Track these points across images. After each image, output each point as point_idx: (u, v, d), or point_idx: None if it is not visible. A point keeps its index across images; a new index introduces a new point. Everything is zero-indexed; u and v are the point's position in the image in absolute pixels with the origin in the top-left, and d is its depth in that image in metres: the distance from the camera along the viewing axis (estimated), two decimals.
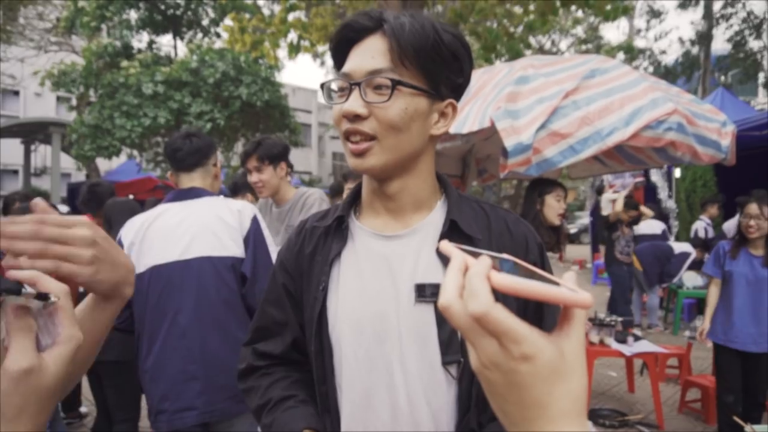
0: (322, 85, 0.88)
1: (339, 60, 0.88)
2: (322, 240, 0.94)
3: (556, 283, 0.44)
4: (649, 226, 7.47)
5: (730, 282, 3.15)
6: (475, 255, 0.47)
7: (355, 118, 0.81)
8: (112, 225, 2.73)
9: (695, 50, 16.29)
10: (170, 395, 1.73)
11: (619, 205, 6.02)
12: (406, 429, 0.83)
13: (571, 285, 0.43)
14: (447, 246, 0.48)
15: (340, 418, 0.88)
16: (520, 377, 0.41)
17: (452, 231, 0.87)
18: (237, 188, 3.75)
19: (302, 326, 0.95)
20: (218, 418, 1.76)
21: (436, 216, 0.91)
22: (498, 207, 0.97)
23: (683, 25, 43.48)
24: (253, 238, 1.84)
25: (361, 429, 0.85)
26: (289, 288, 0.96)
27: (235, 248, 1.80)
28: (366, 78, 0.81)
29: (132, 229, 1.87)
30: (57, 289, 0.53)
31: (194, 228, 1.80)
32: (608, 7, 7.08)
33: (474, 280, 0.40)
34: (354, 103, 0.81)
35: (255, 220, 1.88)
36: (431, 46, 0.81)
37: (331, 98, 0.87)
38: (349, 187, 2.27)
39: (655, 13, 18.06)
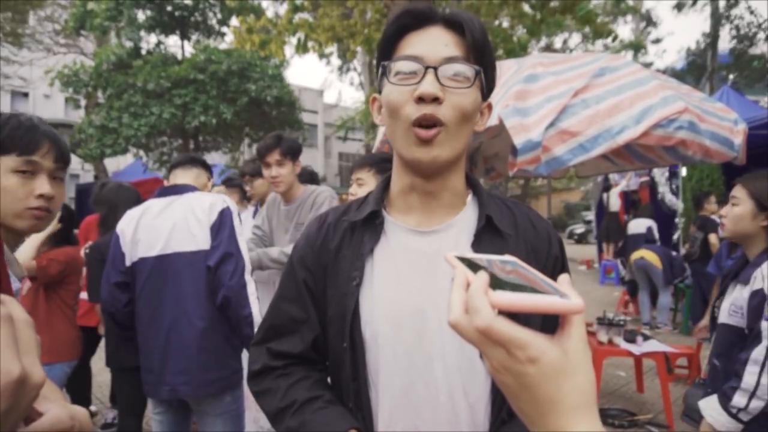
0: (385, 65, 0.85)
1: (388, 47, 0.87)
2: (349, 234, 0.93)
3: (553, 288, 0.47)
4: (637, 225, 7.41)
5: None
6: (479, 262, 0.51)
7: (432, 101, 0.79)
8: (117, 210, 2.64)
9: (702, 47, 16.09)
10: (152, 371, 1.98)
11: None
12: (445, 423, 0.84)
13: (566, 289, 0.47)
14: (450, 258, 0.52)
15: (372, 415, 0.87)
16: (529, 378, 0.45)
17: (487, 227, 0.88)
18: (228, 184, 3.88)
19: (322, 324, 0.93)
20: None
21: (469, 212, 0.92)
22: (519, 203, 0.98)
23: (680, 29, 43.32)
24: (218, 228, 1.95)
25: (401, 426, 0.85)
26: (309, 284, 0.94)
27: (204, 242, 1.94)
28: (445, 63, 0.80)
29: (125, 221, 2.08)
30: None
31: (172, 223, 1.97)
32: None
33: (474, 297, 0.44)
34: (433, 86, 0.79)
35: (222, 213, 1.98)
36: (489, 47, 0.84)
37: (389, 80, 0.84)
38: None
39: (650, 21, 17.95)
